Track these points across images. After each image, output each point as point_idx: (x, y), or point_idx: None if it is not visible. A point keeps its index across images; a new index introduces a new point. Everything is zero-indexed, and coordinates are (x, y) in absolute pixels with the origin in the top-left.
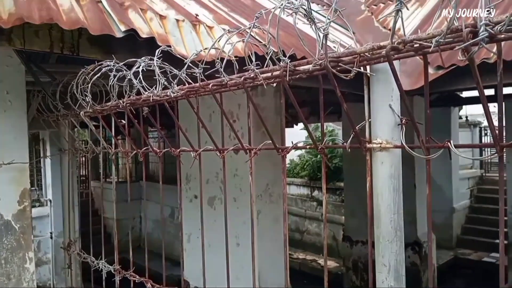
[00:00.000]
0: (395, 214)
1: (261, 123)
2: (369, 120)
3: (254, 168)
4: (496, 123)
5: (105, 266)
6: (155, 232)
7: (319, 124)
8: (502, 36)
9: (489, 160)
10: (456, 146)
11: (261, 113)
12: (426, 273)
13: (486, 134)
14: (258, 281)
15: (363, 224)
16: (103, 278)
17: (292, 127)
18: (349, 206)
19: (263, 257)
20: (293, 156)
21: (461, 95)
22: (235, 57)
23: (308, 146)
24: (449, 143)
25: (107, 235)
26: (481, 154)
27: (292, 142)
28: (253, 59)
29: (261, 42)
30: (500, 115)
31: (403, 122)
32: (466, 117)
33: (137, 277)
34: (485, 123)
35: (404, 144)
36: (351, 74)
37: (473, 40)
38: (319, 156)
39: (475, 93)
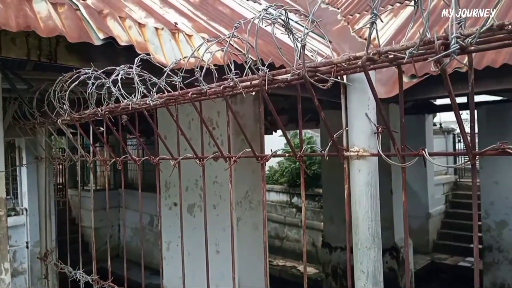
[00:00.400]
0: (373, 221)
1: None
2: (347, 128)
3: (234, 175)
4: (469, 130)
5: (82, 276)
6: (134, 240)
7: (298, 131)
8: (473, 48)
9: (464, 167)
10: (431, 154)
11: (240, 121)
12: (404, 278)
13: (459, 141)
14: None
15: (342, 230)
16: None
17: (271, 134)
18: (328, 212)
19: (243, 264)
20: (272, 163)
21: (434, 102)
22: (215, 65)
23: (287, 154)
24: (423, 151)
25: (85, 244)
26: (455, 161)
27: (271, 150)
28: (232, 68)
29: (240, 51)
30: (472, 124)
31: (379, 130)
32: (440, 124)
33: (116, 287)
34: (458, 130)
35: (380, 152)
36: (329, 84)
37: (445, 52)
38: (298, 163)
39: (448, 100)
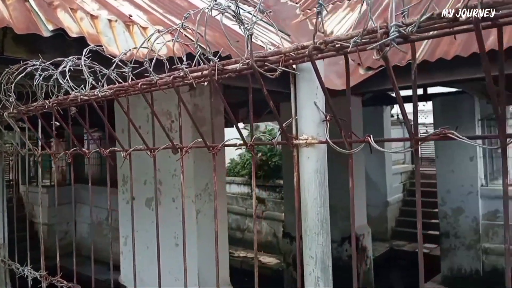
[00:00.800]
0: (321, 207)
1: (200, 123)
2: (296, 117)
3: (188, 167)
4: (419, 119)
5: (30, 273)
6: (91, 237)
7: (259, 123)
8: (414, 36)
9: (420, 155)
10: (376, 141)
11: (200, 113)
12: (362, 265)
13: None
14: (198, 280)
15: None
16: (29, 285)
17: (232, 127)
18: (288, 203)
19: (203, 256)
20: (234, 155)
21: (392, 94)
22: (170, 57)
23: (238, 144)
24: (369, 138)
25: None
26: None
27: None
28: (184, 59)
29: (192, 41)
30: (414, 110)
31: (327, 118)
32: (397, 115)
33: (65, 282)
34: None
35: (328, 139)
36: (277, 73)
37: (384, 40)
38: (259, 154)
39: (404, 92)
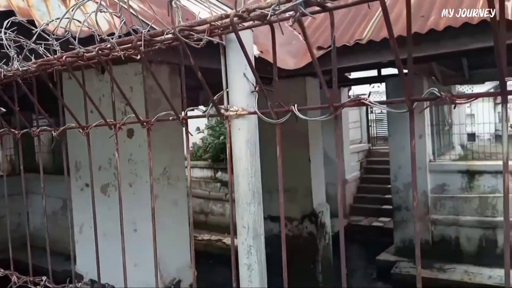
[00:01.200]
0: (253, 177)
1: (155, 105)
2: (227, 90)
3: (144, 151)
4: (375, 98)
5: None
6: (45, 227)
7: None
8: (329, 4)
9: (375, 135)
10: (300, 109)
11: (154, 95)
12: (322, 241)
13: (372, 112)
14: (159, 266)
15: (263, 201)
16: None
17: (193, 110)
18: None
19: (162, 241)
20: (195, 139)
21: (349, 76)
22: (112, 34)
23: (171, 118)
24: (293, 107)
25: None
26: (368, 130)
27: (198, 127)
28: (117, 32)
29: (136, 17)
30: (334, 78)
31: (256, 89)
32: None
33: (17, 274)
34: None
35: (256, 110)
36: (202, 43)
37: (293, 4)
38: (221, 137)
39: (361, 74)
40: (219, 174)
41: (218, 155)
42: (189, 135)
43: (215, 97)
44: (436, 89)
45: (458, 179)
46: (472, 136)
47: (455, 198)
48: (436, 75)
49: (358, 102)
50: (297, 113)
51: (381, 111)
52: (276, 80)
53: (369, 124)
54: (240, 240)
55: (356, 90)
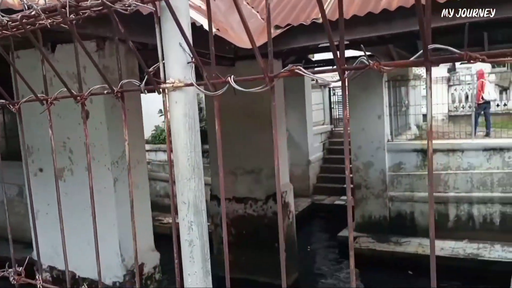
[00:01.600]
0: (192, 152)
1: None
2: (163, 61)
3: (102, 133)
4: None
5: None
6: (3, 215)
7: None
8: None
9: (337, 117)
10: (235, 81)
11: (110, 75)
12: (286, 220)
13: (334, 94)
14: (120, 249)
15: (228, 182)
16: None
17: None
18: (214, 166)
19: (123, 225)
20: (158, 122)
21: (312, 58)
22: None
23: (105, 92)
24: (229, 78)
25: None
26: (330, 111)
27: (162, 109)
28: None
29: None
30: (269, 48)
31: (192, 60)
32: (316, 80)
33: None
34: (333, 84)
35: (193, 82)
36: (130, 8)
37: None
38: None
39: (324, 56)
40: None
41: None
42: (126, 110)
43: (150, 69)
44: (365, 58)
45: (414, 157)
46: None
47: (410, 176)
48: (393, 56)
49: (292, 72)
50: (233, 84)
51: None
52: (213, 51)
53: (332, 106)
54: (181, 217)
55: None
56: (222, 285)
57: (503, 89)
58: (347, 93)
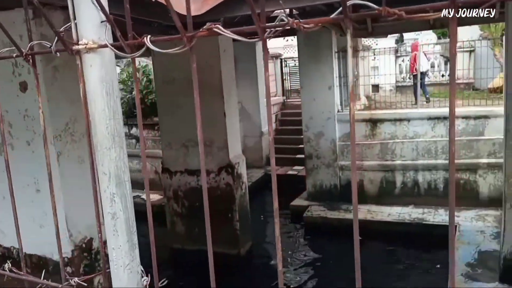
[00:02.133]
0: (111, 119)
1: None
2: (75, 21)
3: (42, 105)
4: (290, 53)
5: None
6: None
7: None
8: None
9: (289, 88)
10: (152, 41)
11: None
12: (238, 191)
13: (286, 65)
14: (67, 224)
15: (179, 155)
16: None
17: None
18: (165, 139)
19: (69, 200)
20: None
21: None
22: None
23: (14, 55)
24: (145, 39)
25: None
26: (283, 82)
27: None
28: None
29: None
30: (188, 5)
31: (108, 19)
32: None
33: None
34: (285, 55)
35: (107, 42)
36: None
37: None
38: (134, 92)
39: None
40: (133, 130)
41: (131, 110)
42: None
43: (61, 29)
44: (285, 15)
45: (363, 127)
46: (376, 87)
47: (360, 145)
48: (343, 28)
49: (210, 30)
50: (150, 45)
51: (295, 64)
52: (127, 9)
53: (284, 77)
54: (102, 188)
55: (270, 43)
56: (176, 256)
57: (448, 60)
58: (268, 53)
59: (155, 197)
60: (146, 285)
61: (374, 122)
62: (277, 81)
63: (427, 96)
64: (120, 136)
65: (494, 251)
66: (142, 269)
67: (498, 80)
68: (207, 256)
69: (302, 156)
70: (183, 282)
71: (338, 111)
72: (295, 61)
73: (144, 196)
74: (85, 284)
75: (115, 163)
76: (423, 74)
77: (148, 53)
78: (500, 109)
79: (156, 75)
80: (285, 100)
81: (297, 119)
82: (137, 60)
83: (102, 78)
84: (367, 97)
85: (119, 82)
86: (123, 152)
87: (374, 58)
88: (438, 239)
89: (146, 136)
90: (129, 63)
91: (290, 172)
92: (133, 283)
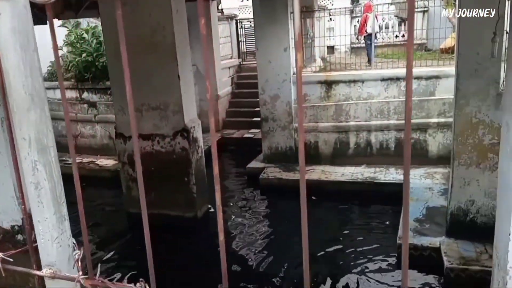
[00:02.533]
0: (29, 77)
1: None
2: None
3: None
4: (245, 14)
5: None
6: None
7: (80, 20)
8: None
9: (245, 50)
10: None
11: None
12: (194, 155)
13: (242, 27)
14: (15, 192)
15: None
16: None
17: (46, 23)
18: (118, 103)
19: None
20: (53, 57)
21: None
22: None
23: None
24: None
25: None
26: (238, 45)
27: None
28: None
29: None
30: None
31: None
32: (222, 10)
33: None
34: (241, 16)
35: None
36: None
37: None
38: (83, 55)
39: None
40: (85, 94)
41: (82, 74)
42: None
43: None
44: None
45: (318, 89)
46: (331, 49)
47: (315, 107)
48: None
49: None
50: None
51: (251, 25)
52: None
53: (240, 39)
54: (22, 156)
55: (225, 4)
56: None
57: (402, 20)
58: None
59: (109, 162)
60: (77, 259)
61: (329, 84)
62: (232, 43)
63: (372, 58)
64: (41, 97)
65: (442, 207)
66: (74, 241)
67: (450, 41)
68: (166, 219)
69: (259, 119)
70: (141, 246)
71: (293, 73)
72: (250, 22)
73: (98, 162)
74: (11, 260)
75: (35, 126)
76: (370, 36)
77: (97, 13)
78: (451, 69)
79: (105, 37)
80: (241, 63)
81: (253, 82)
82: (85, 21)
83: (14, 29)
84: (323, 58)
85: (66, 44)
86: (45, 115)
87: (330, 19)
88: (389, 196)
89: (98, 101)
90: (77, 23)
91: (246, 135)
92: (63, 258)
